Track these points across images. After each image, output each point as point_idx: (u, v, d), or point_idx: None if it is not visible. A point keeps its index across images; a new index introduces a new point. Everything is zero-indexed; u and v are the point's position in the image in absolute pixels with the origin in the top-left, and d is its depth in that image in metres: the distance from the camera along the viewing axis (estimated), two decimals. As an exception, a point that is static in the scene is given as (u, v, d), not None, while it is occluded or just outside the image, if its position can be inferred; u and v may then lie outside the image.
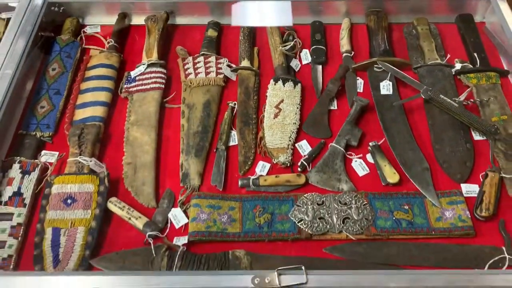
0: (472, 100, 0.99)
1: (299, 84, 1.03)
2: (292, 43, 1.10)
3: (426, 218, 0.85)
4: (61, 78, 1.04)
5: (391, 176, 0.89)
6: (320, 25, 1.15)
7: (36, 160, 0.92)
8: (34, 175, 0.90)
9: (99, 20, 1.19)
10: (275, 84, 1.03)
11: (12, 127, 0.97)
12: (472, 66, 1.05)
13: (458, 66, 1.05)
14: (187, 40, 1.16)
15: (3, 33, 1.06)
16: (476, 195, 0.87)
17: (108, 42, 1.11)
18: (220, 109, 1.03)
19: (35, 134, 0.96)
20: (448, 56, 1.08)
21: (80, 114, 0.99)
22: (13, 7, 1.11)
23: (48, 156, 0.94)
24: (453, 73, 1.05)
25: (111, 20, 1.18)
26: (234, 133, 0.98)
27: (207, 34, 1.14)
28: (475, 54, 1.05)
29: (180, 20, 1.19)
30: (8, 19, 1.10)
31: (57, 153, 0.95)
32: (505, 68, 1.06)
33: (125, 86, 1.05)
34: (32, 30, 1.04)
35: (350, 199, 0.86)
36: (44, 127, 0.97)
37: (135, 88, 1.04)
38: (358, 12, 1.17)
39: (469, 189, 0.88)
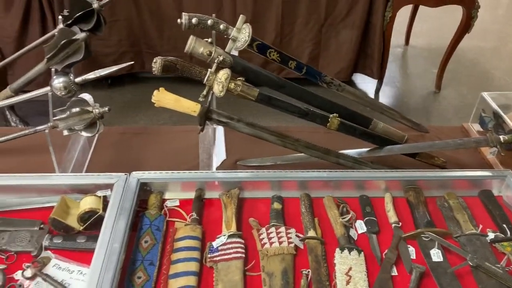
0: (511, 266, 1.16)
1: (362, 252, 1.20)
2: (350, 215, 1.29)
3: None
4: (153, 250, 1.18)
5: None
6: (367, 198, 1.37)
7: (139, 330, 1.00)
8: None
9: (177, 195, 1.37)
10: (341, 253, 1.19)
11: (113, 297, 1.07)
12: (503, 235, 1.25)
13: (491, 235, 1.24)
14: (254, 211, 1.35)
15: (102, 209, 1.22)
16: None
17: (190, 216, 1.28)
18: (295, 276, 1.16)
19: (135, 304, 1.06)
20: (481, 226, 1.28)
21: (173, 284, 1.10)
22: (108, 185, 1.29)
23: (148, 326, 1.03)
24: (488, 242, 1.24)
25: (187, 194, 1.37)
26: (312, 299, 1.11)
27: (273, 206, 1.33)
28: (504, 225, 1.26)
29: (246, 194, 1.39)
30: (103, 197, 1.27)
31: (156, 322, 1.04)
32: (531, 236, 1.26)
33: (209, 255, 1.18)
34: (131, 208, 1.21)
35: None
36: (143, 297, 1.08)
37: (219, 258, 1.17)
38: (396, 188, 1.40)
39: None
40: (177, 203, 1.35)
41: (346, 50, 3.38)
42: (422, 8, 3.97)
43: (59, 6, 3.01)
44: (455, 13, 3.60)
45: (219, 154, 1.58)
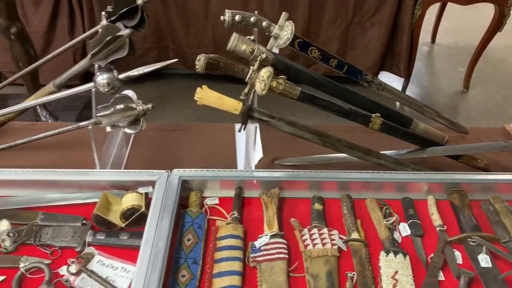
0: None
1: (408, 256, 1.17)
2: (394, 218, 1.27)
3: None
4: (196, 248, 1.17)
5: None
6: (410, 201, 1.34)
7: (186, 330, 1.00)
8: None
9: (215, 193, 1.36)
10: (386, 256, 1.17)
11: (159, 294, 1.06)
12: (554, 241, 1.21)
13: (541, 241, 1.21)
14: (294, 211, 1.33)
15: (144, 206, 1.22)
16: None
17: (231, 215, 1.27)
18: (339, 278, 1.15)
19: (181, 303, 1.05)
20: (530, 232, 1.25)
21: (218, 283, 1.10)
22: (149, 182, 1.29)
23: (194, 326, 1.02)
24: (539, 247, 1.21)
25: (225, 192, 1.35)
26: (358, 302, 1.09)
27: (314, 207, 1.31)
28: (555, 231, 1.23)
29: (285, 194, 1.37)
30: (145, 193, 1.27)
31: (201, 322, 1.03)
32: None
33: (252, 255, 1.17)
34: (173, 205, 1.20)
35: None
36: (188, 296, 1.07)
37: (262, 258, 1.16)
38: (438, 190, 1.37)
39: None
40: (217, 201, 1.34)
41: (373, 48, 3.34)
42: (449, 6, 3.89)
43: (87, 1, 3.03)
44: (482, 11, 3.53)
45: (256, 152, 1.57)
